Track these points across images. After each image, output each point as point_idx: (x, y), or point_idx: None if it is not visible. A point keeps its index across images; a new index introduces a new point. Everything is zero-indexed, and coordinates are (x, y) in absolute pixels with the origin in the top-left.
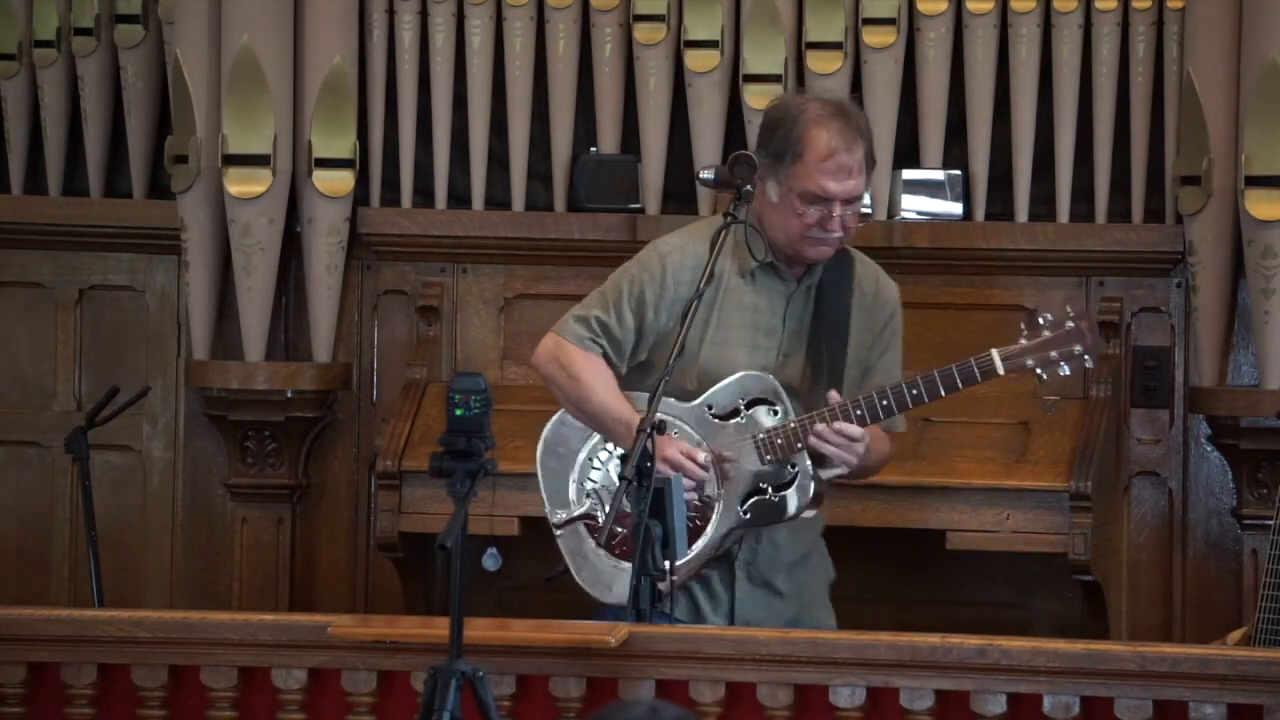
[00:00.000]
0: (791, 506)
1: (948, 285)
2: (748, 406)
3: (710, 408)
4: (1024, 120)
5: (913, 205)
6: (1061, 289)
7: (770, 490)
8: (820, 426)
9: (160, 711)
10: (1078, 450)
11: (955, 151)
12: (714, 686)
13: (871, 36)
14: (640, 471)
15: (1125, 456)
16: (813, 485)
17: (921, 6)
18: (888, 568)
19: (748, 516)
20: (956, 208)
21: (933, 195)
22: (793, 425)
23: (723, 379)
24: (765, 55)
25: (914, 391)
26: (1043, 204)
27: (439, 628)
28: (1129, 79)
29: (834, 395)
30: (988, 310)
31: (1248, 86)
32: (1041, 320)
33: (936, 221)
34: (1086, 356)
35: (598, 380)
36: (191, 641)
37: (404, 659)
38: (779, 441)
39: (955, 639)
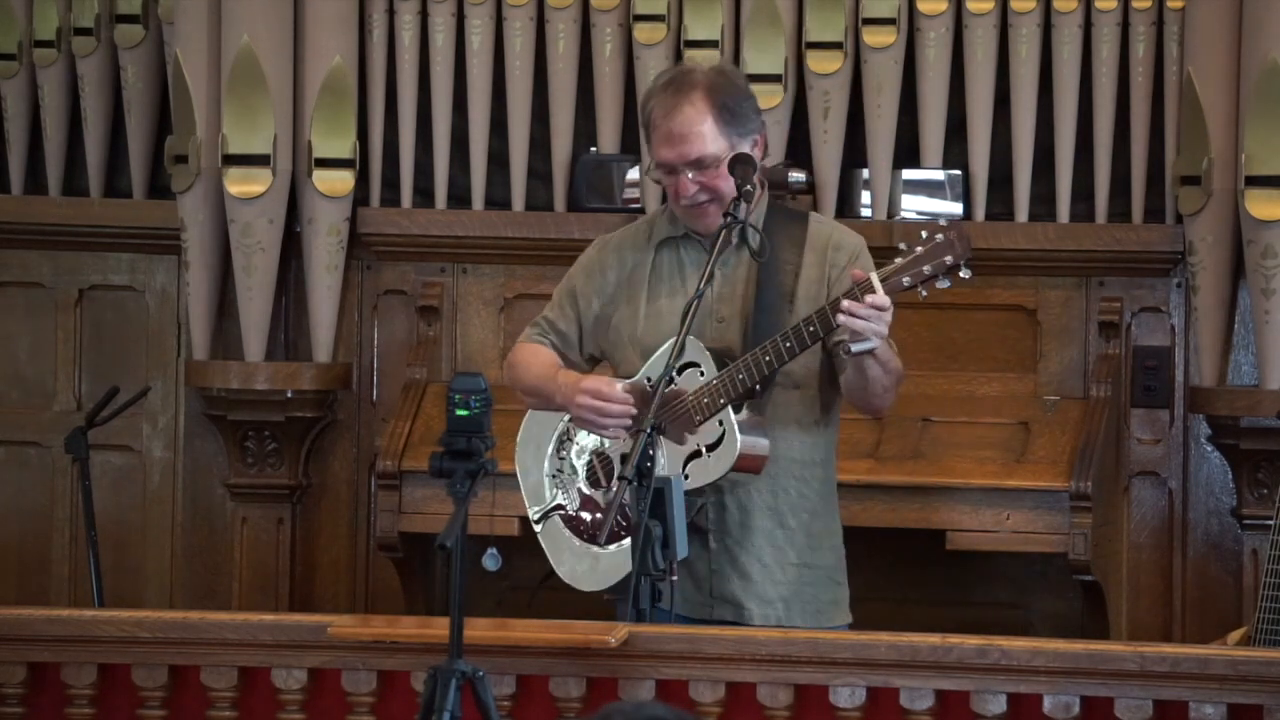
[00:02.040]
0: (723, 463)
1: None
2: (679, 372)
3: (649, 380)
4: (1024, 120)
5: (913, 205)
6: (1061, 289)
7: (704, 450)
8: (847, 302)
9: (160, 711)
10: (1078, 450)
11: (955, 151)
12: (714, 686)
13: (871, 36)
14: (640, 471)
15: (1125, 456)
16: (739, 439)
17: (921, 6)
18: (888, 568)
19: (688, 479)
20: (956, 208)
21: (933, 195)
22: (714, 382)
23: (656, 347)
24: (765, 55)
25: (810, 328)
26: (1043, 204)
27: (439, 628)
28: (1129, 79)
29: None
30: (988, 310)
31: (1248, 86)
32: (922, 234)
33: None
34: (961, 266)
35: (532, 359)
36: (191, 641)
37: (404, 659)
38: (705, 400)
39: (955, 639)
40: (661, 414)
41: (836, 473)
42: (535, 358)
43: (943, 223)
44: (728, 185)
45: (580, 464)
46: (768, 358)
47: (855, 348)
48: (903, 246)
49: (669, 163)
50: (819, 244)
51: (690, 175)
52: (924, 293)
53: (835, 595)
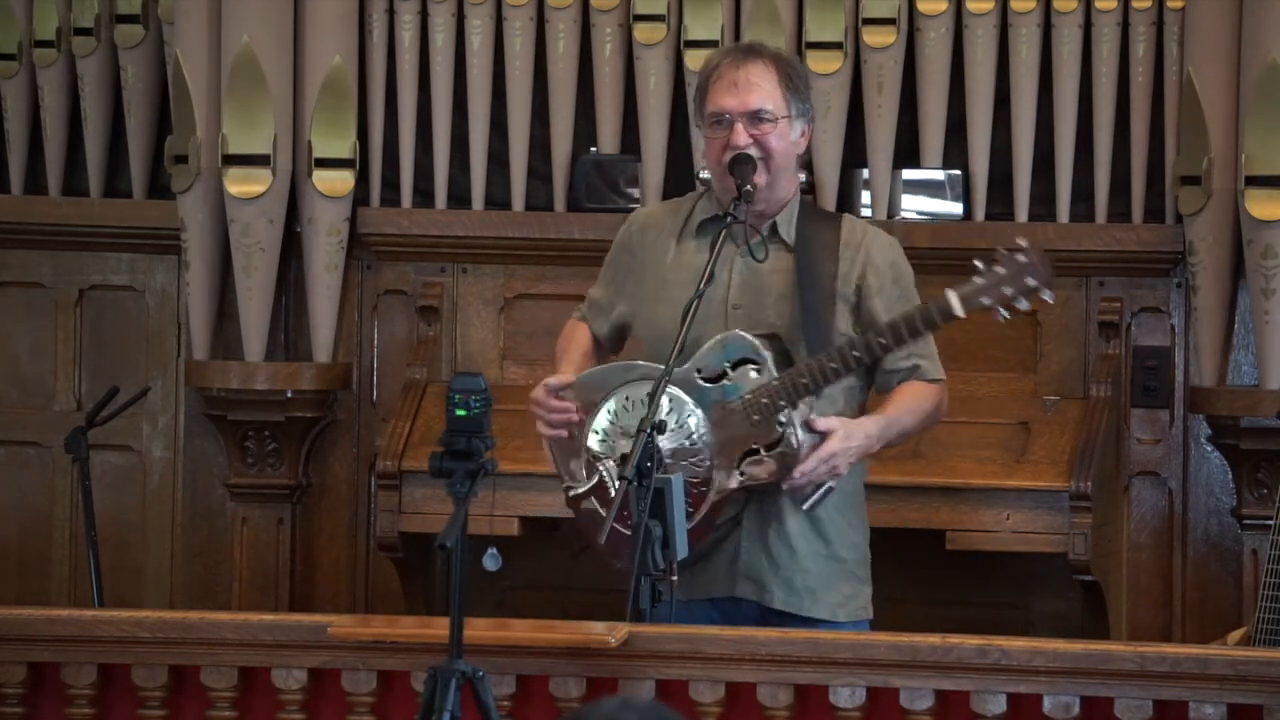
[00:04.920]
0: (783, 463)
1: (948, 285)
2: (734, 367)
3: (699, 371)
4: (1024, 120)
5: (913, 205)
6: (1062, 289)
7: (762, 450)
8: (798, 469)
9: (160, 711)
10: (1078, 450)
11: (955, 151)
12: (714, 686)
13: (871, 36)
14: (640, 471)
15: (1125, 456)
16: (802, 439)
17: (921, 6)
18: (888, 568)
19: (743, 477)
20: (956, 208)
21: (933, 195)
22: (775, 383)
23: (668, 334)
24: None
25: (881, 340)
26: (1043, 204)
27: (439, 628)
28: (1129, 79)
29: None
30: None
31: (1248, 86)
32: (997, 255)
33: (936, 221)
34: (1044, 289)
35: (565, 342)
36: (191, 641)
37: (404, 659)
38: (764, 400)
39: (955, 639)
40: (715, 407)
41: (866, 469)
42: (567, 340)
43: (1022, 242)
44: (781, 146)
45: (624, 447)
46: (834, 365)
47: (808, 504)
48: (979, 265)
49: (727, 110)
50: (852, 242)
51: (744, 127)
52: (1005, 314)
53: (858, 590)
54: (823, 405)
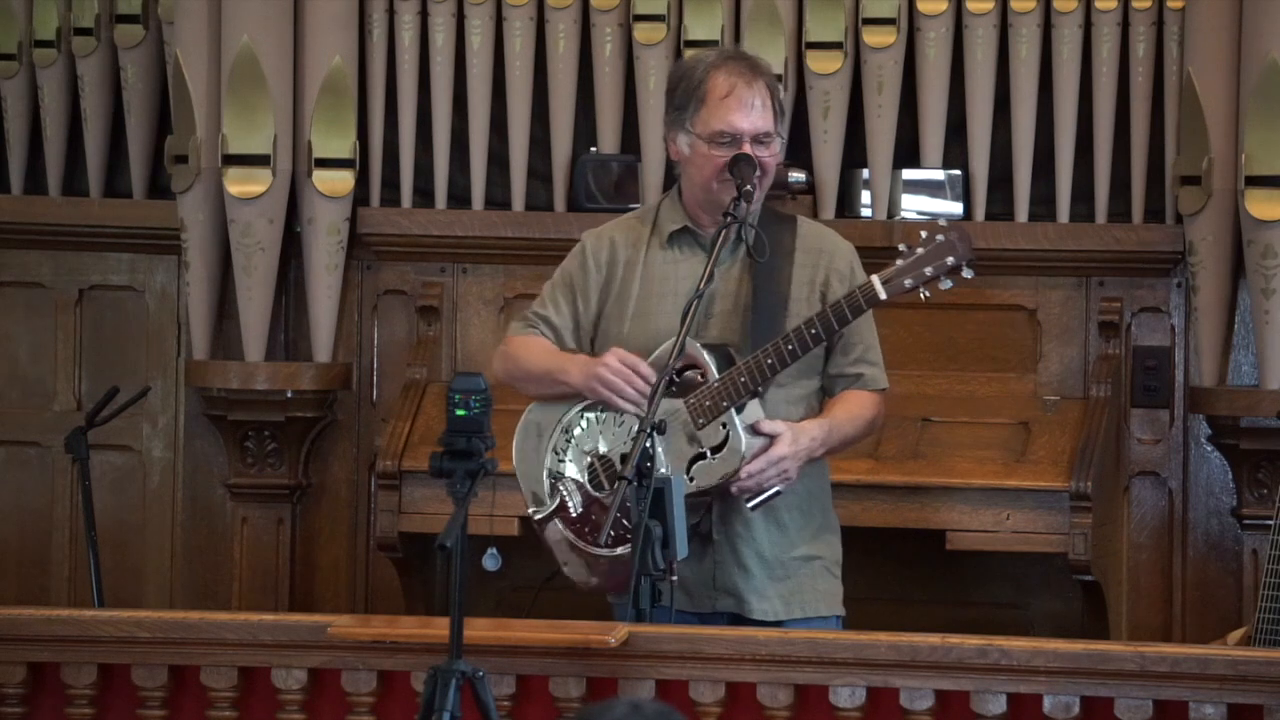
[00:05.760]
0: (729, 465)
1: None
2: (678, 374)
3: (648, 381)
4: (1024, 120)
5: (913, 205)
6: (1061, 289)
7: (709, 453)
8: (741, 479)
9: (160, 711)
10: (1078, 450)
11: (955, 151)
12: (714, 686)
13: (871, 36)
14: (640, 471)
15: (1125, 456)
16: (744, 439)
17: (921, 6)
18: (888, 568)
19: (693, 482)
20: (956, 208)
21: (933, 195)
22: (715, 384)
23: (650, 351)
24: (765, 55)
25: (812, 330)
26: (1043, 204)
27: (439, 628)
28: (1129, 79)
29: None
30: (988, 310)
31: (1248, 86)
32: (919, 237)
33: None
34: (964, 266)
35: (532, 348)
36: (191, 641)
37: (404, 659)
38: (707, 403)
39: (955, 639)
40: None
41: (828, 468)
42: (535, 344)
43: (942, 223)
44: (773, 165)
45: (583, 466)
46: (770, 360)
47: (752, 504)
48: (902, 248)
49: (738, 131)
50: (809, 247)
51: (751, 150)
52: (926, 294)
53: (831, 587)
54: (786, 410)
